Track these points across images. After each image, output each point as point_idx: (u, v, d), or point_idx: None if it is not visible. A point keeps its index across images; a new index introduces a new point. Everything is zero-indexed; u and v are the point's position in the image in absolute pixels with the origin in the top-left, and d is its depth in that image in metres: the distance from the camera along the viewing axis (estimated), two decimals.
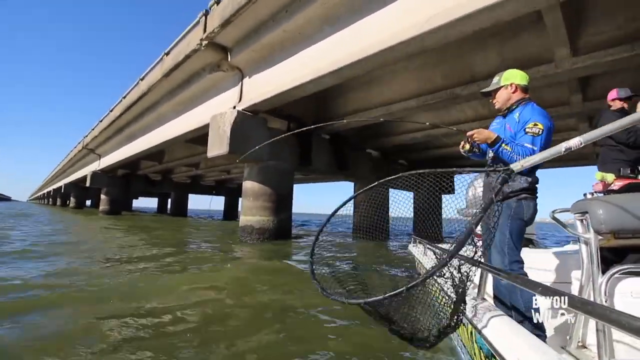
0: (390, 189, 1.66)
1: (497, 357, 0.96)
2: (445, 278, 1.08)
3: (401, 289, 0.91)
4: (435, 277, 1.04)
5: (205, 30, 7.61)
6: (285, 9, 6.25)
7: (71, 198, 35.31)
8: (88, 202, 40.66)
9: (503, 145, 1.78)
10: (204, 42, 7.71)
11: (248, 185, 8.95)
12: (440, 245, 2.47)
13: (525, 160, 1.09)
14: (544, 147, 1.74)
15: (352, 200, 1.48)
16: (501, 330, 1.02)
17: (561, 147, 1.00)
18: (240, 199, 36.19)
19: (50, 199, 55.71)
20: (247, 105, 8.07)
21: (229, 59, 8.04)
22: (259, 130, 8.49)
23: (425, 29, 4.46)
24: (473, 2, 3.96)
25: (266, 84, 7.65)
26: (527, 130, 1.77)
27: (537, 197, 1.84)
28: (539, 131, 1.75)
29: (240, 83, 8.46)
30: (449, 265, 1.03)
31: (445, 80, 6.87)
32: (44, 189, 65.45)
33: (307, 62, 6.57)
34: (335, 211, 1.27)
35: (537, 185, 1.85)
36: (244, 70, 8.30)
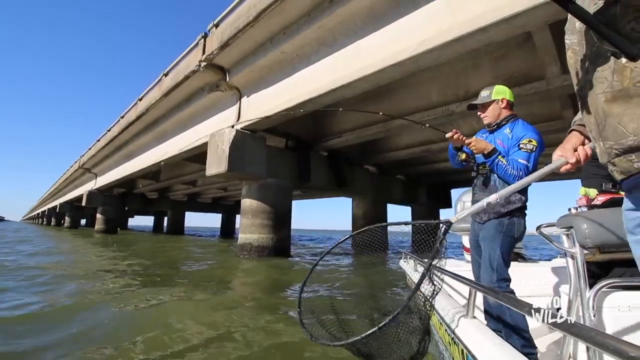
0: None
1: None
2: (413, 313, 1.14)
3: (374, 329, 0.99)
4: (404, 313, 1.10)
5: (204, 52, 7.78)
6: (283, 32, 6.44)
7: (66, 217, 34.91)
8: (83, 222, 40.21)
9: (500, 157, 1.78)
10: (203, 64, 7.87)
11: (247, 203, 8.93)
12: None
13: (460, 214, 1.20)
14: (535, 166, 1.77)
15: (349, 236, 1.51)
16: (491, 350, 1.02)
17: (484, 203, 1.18)
18: (237, 216, 35.96)
19: (45, 219, 54.97)
20: (245, 124, 8.16)
21: (228, 79, 8.19)
22: (257, 148, 8.56)
23: (419, 51, 4.60)
24: (465, 25, 4.12)
25: (264, 103, 7.77)
26: (521, 146, 1.78)
27: (526, 215, 1.88)
28: (533, 148, 1.76)
29: (238, 102, 8.58)
30: (412, 303, 1.09)
31: (440, 97, 7.02)
32: (38, 208, 64.76)
33: (304, 82, 6.72)
34: (314, 266, 1.34)
35: (527, 204, 1.88)
36: (242, 90, 8.44)
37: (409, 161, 12.78)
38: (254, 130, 8.40)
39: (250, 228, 8.73)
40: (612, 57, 0.74)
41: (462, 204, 4.27)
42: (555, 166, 1.04)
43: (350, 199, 14.10)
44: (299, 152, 9.84)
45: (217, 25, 7.53)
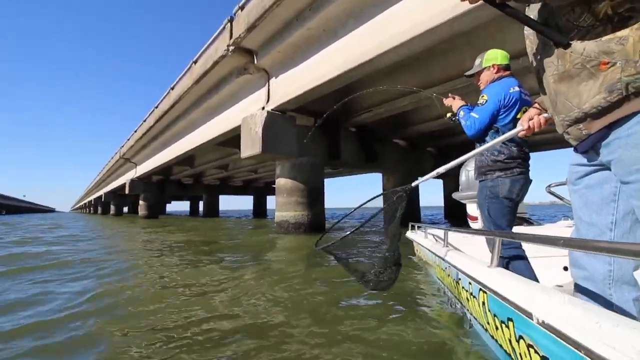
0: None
1: (516, 310, 0.95)
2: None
3: (336, 240, 1.59)
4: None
5: (231, 36, 7.88)
6: (309, 7, 6.38)
7: (111, 206, 37.53)
8: (125, 209, 42.96)
9: (461, 112, 1.96)
10: (231, 48, 7.99)
11: (281, 182, 9.23)
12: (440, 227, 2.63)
13: (420, 179, 1.69)
14: (489, 117, 1.82)
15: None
16: (523, 290, 0.97)
17: (433, 173, 1.62)
18: (268, 197, 36.59)
19: (92, 208, 59.29)
20: (275, 105, 8.30)
21: (255, 62, 8.29)
22: (288, 128, 8.72)
23: (454, 14, 4.44)
24: None
25: (292, 83, 7.83)
26: (477, 103, 1.90)
27: (516, 173, 1.78)
28: (483, 102, 1.85)
29: (267, 84, 8.70)
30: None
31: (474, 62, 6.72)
32: (85, 198, 69.83)
33: (332, 58, 6.68)
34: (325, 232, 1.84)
35: (516, 160, 1.78)
36: (270, 71, 8.53)
37: (439, 132, 12.46)
38: (283, 110, 8.53)
39: (286, 206, 9.05)
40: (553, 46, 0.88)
41: (466, 172, 4.12)
42: (514, 132, 1.35)
43: (381, 175, 14.06)
44: (328, 129, 9.90)
45: (242, 8, 7.56)
